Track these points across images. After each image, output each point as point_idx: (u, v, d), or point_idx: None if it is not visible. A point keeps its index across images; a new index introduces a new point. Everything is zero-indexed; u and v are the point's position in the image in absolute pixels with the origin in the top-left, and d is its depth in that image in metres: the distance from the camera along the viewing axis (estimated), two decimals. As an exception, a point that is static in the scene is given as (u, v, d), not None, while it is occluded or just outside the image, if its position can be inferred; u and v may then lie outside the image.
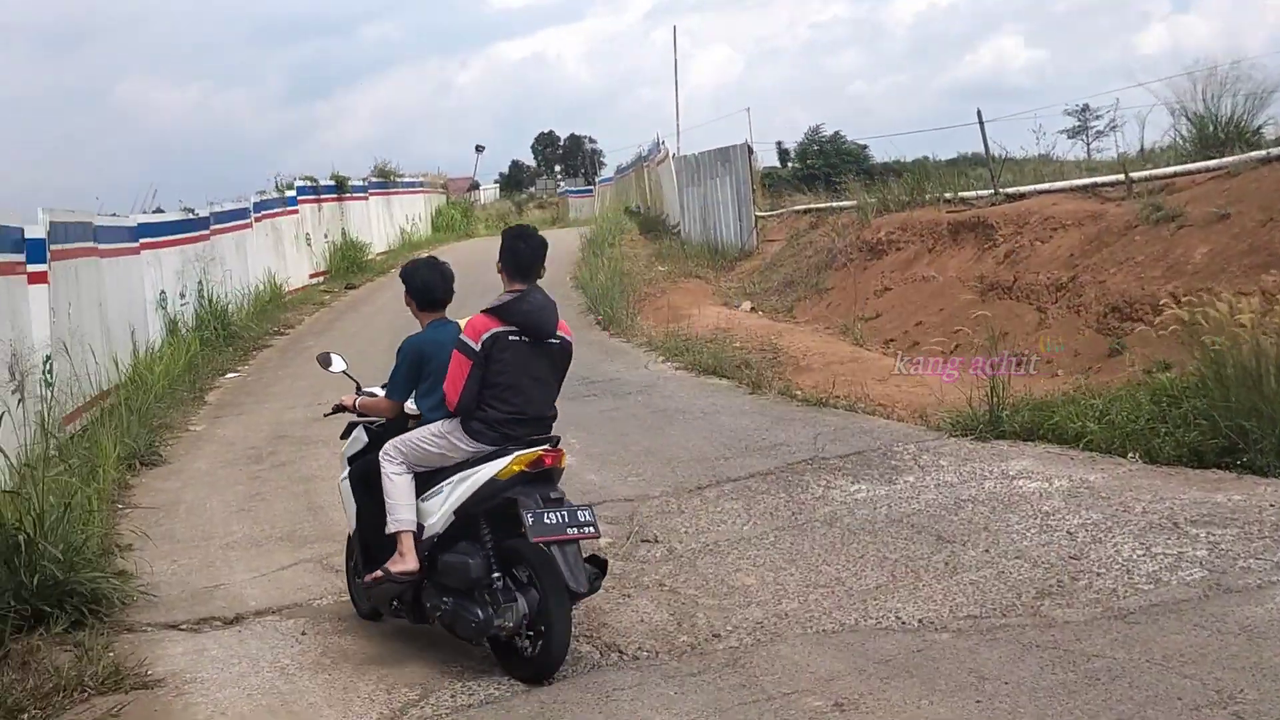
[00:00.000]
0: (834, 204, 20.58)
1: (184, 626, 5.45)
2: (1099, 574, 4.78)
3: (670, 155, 25.85)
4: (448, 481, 4.71)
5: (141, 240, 14.33)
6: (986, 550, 5.28)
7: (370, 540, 4.97)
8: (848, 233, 17.88)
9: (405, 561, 4.68)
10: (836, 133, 51.57)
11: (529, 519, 4.39)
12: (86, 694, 4.58)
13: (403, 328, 16.52)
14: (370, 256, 26.27)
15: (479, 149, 56.17)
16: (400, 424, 5.14)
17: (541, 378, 4.89)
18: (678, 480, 7.22)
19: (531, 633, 4.44)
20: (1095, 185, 13.52)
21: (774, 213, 23.33)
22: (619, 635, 4.82)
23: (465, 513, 4.66)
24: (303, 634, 5.19)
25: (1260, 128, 13.38)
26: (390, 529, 4.73)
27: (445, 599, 4.64)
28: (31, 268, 9.47)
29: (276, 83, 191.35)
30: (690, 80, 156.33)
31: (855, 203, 18.85)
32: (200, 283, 16.21)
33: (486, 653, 4.70)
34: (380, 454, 4.85)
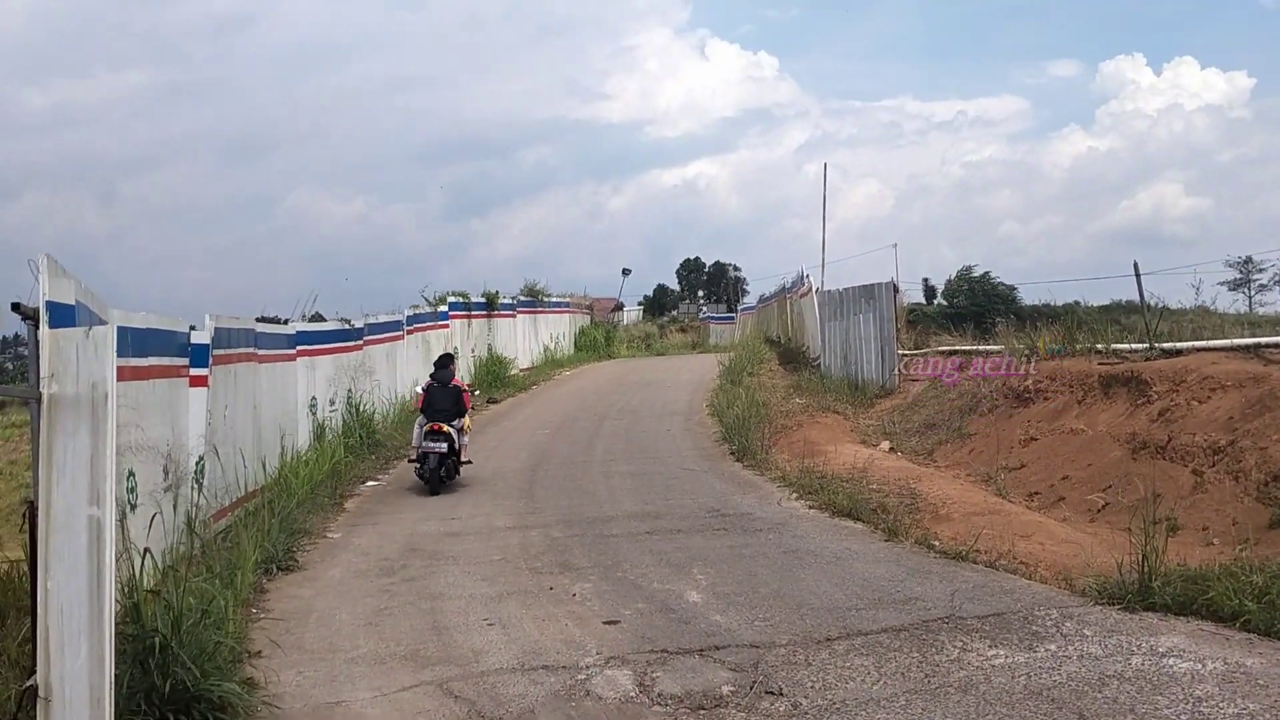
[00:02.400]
0: (980, 346, 20.25)
1: (304, 742, 5.49)
2: (1259, 777, 4.43)
3: (814, 289, 25.93)
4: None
5: (298, 347, 14.95)
6: (1133, 737, 4.95)
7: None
8: (995, 378, 17.51)
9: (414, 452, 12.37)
10: (986, 273, 51.07)
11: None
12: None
13: (538, 445, 16.73)
14: (514, 372, 26.86)
15: (625, 272, 57.64)
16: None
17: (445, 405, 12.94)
18: (806, 629, 7.01)
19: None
20: (1259, 346, 12.99)
21: (918, 352, 23.04)
22: (737, 794, 4.65)
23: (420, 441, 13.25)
24: (418, 762, 5.17)
25: None
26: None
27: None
28: (194, 372, 9.94)
29: (436, 199, 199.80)
30: (838, 214, 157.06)
31: (1003, 347, 18.50)
32: (350, 391, 16.79)
33: None
34: None
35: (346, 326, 16.98)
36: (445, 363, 14.79)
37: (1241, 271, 38.18)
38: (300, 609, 8.12)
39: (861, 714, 5.50)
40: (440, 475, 13.41)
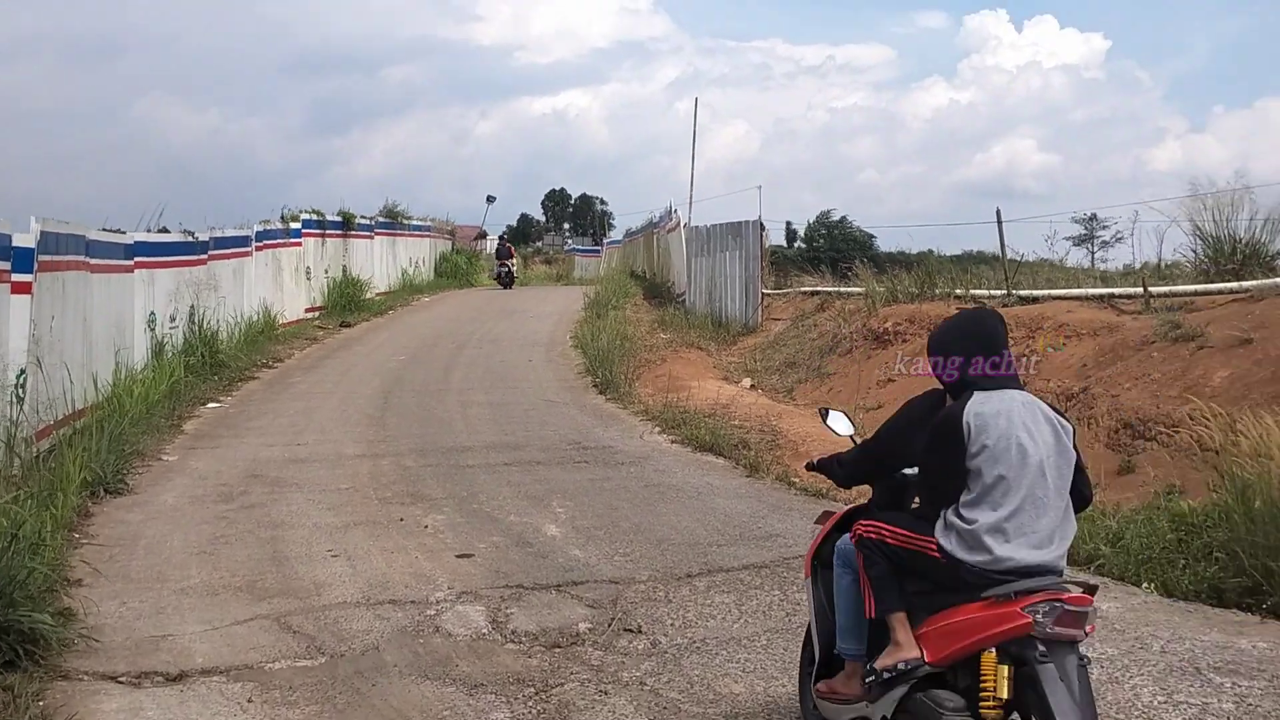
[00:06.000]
0: (842, 289, 20.40)
1: (123, 679, 5.02)
2: (1120, 720, 4.39)
3: (682, 224, 25.73)
4: None
5: (136, 259, 14.03)
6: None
7: None
8: (854, 319, 17.64)
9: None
10: (844, 218, 51.92)
11: None
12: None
13: (392, 371, 16.21)
14: (370, 295, 25.99)
15: (490, 199, 56.10)
16: None
17: None
18: (667, 565, 6.82)
19: None
20: (1112, 296, 13.31)
21: (780, 291, 23.14)
22: (592, 738, 4.41)
23: None
24: (249, 701, 4.75)
25: (1277, 254, 13.24)
26: None
27: None
28: (16, 277, 9.13)
29: (295, 115, 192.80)
30: (706, 153, 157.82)
31: (863, 290, 18.64)
32: (193, 307, 15.87)
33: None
34: None
35: (190, 239, 16.01)
36: None
37: (1087, 228, 39.50)
38: (128, 535, 7.56)
39: (721, 653, 5.32)
40: None
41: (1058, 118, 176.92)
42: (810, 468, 4.65)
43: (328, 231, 24.21)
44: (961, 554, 3.54)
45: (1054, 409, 3.80)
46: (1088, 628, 3.38)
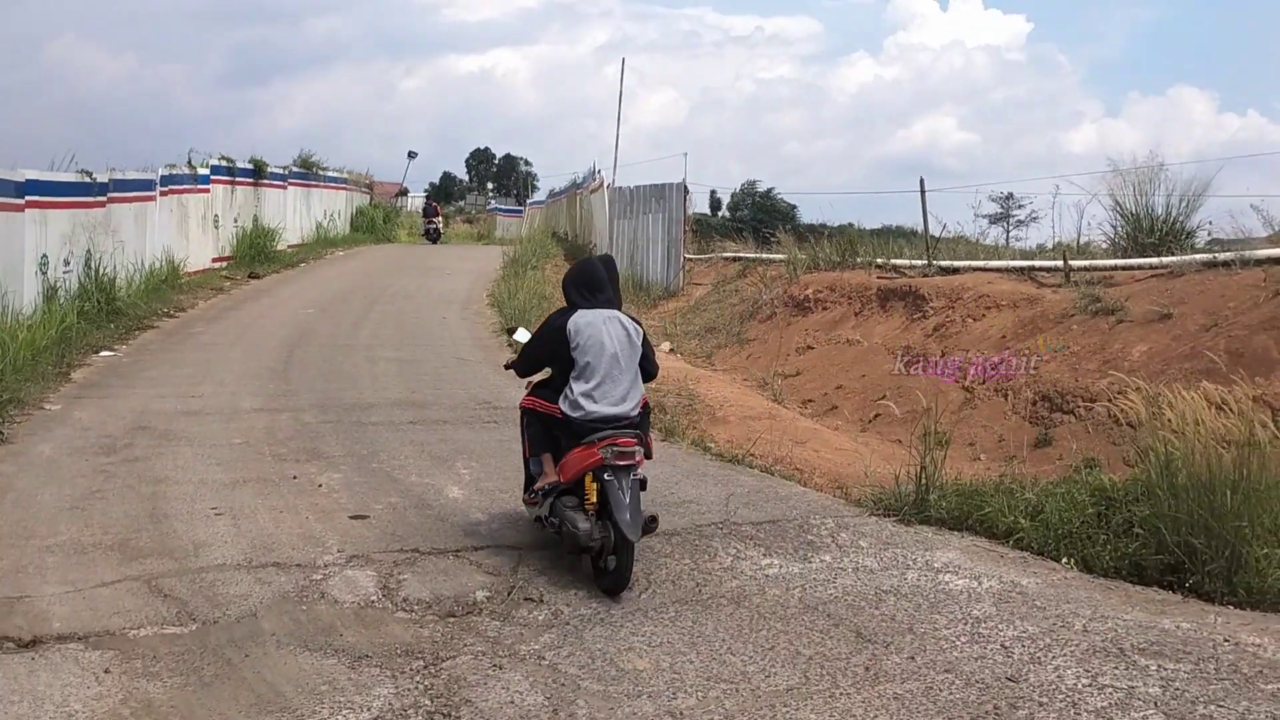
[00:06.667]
0: (764, 255, 20.20)
1: (-33, 644, 4.56)
2: (1042, 704, 4.15)
3: (605, 184, 25.28)
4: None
5: (28, 198, 13.27)
6: (912, 657, 4.63)
7: None
8: (775, 286, 17.47)
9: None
10: (770, 189, 51.96)
11: None
12: None
13: (300, 324, 15.60)
14: (281, 247, 25.17)
15: (411, 155, 55.06)
16: None
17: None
18: (573, 531, 6.48)
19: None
20: (1033, 269, 13.25)
21: (702, 256, 22.88)
22: (483, 718, 4.07)
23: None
24: (106, 672, 4.31)
25: (1194, 230, 13.30)
26: None
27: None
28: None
29: (215, 63, 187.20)
30: (633, 118, 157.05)
31: (785, 257, 18.45)
32: (89, 251, 15.09)
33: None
34: None
35: (87, 180, 15.18)
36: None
37: (1003, 206, 39.87)
38: (-6, 488, 7.02)
39: (627, 625, 5.01)
40: None
41: (978, 98, 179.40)
42: (505, 367, 6.82)
43: (238, 179, 23.31)
44: (571, 412, 5.65)
45: (632, 319, 5.95)
46: (637, 459, 5.52)
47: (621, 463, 5.40)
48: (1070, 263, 12.46)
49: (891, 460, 8.83)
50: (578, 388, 5.62)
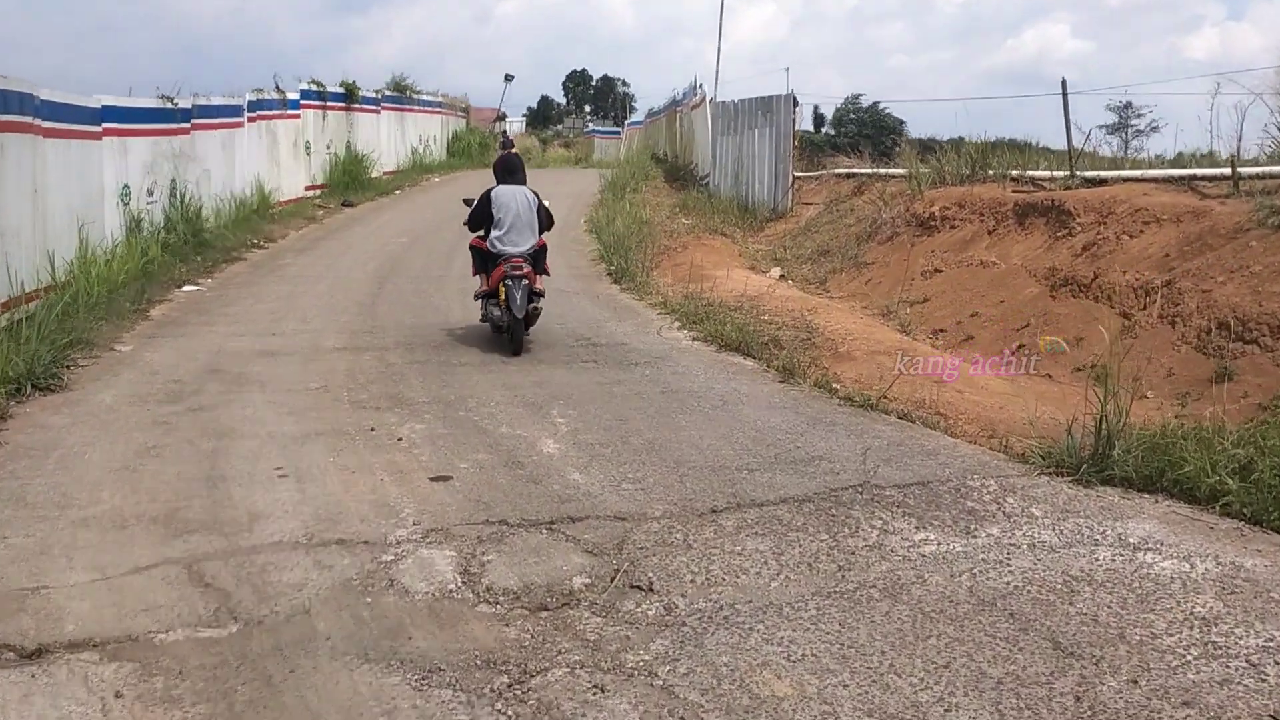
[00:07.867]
0: (881, 170, 18.77)
1: (-37, 652, 3.80)
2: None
3: (707, 100, 23.93)
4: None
5: (105, 125, 12.64)
6: (1134, 681, 3.57)
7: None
8: (895, 204, 16.10)
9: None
10: (876, 103, 49.68)
11: None
12: None
13: (392, 255, 14.86)
14: (375, 174, 24.53)
15: (508, 78, 53.74)
16: None
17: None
18: (686, 495, 5.53)
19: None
20: (1193, 178, 11.73)
21: (811, 174, 21.50)
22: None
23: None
24: (117, 696, 3.49)
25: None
26: None
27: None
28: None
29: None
30: (733, 35, 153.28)
31: (906, 171, 17.03)
32: (174, 181, 14.50)
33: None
34: None
35: (168, 105, 14.53)
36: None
37: (1121, 116, 37.34)
38: (42, 443, 6.32)
39: (759, 628, 4.03)
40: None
41: (1094, 2, 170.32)
42: (465, 222, 9.79)
43: (329, 104, 22.61)
44: (492, 248, 9.24)
45: (534, 193, 9.52)
46: (525, 271, 8.99)
47: (515, 272, 8.90)
48: (1239, 169, 10.94)
49: (1044, 400, 7.70)
50: (494, 234, 9.24)
